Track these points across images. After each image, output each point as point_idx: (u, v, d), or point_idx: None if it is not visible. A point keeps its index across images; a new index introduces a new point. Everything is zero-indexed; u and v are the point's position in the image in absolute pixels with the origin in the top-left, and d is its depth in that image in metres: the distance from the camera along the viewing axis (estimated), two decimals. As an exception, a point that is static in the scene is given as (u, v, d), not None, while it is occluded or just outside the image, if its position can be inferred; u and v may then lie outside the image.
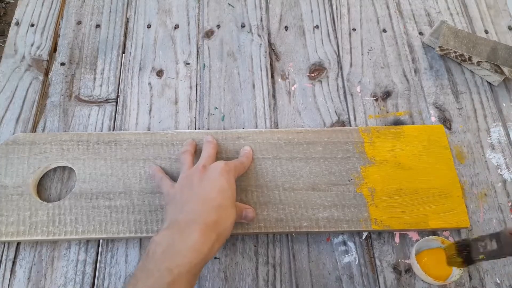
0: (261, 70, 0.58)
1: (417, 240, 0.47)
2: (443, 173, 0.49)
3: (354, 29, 0.62)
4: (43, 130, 0.53)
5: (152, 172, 0.47)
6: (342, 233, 0.47)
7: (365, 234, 0.47)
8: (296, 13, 0.64)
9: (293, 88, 0.57)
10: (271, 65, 0.59)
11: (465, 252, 0.39)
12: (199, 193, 0.39)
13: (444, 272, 0.44)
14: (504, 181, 0.51)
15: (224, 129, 0.54)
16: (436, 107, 0.56)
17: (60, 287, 0.44)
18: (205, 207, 0.38)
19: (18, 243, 0.46)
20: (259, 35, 0.61)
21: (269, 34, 0.62)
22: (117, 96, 0.56)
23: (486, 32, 0.62)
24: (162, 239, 0.35)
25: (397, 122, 0.54)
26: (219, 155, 0.49)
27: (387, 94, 0.57)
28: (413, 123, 0.54)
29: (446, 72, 0.59)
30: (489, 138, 0.54)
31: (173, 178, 0.46)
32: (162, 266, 0.33)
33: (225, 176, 0.41)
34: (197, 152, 0.49)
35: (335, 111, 0.55)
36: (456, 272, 0.43)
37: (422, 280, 0.45)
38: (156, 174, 0.46)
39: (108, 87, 0.56)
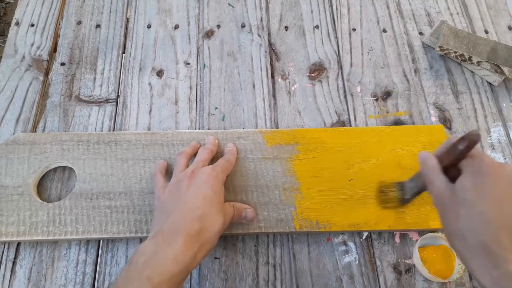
0: (261, 70, 0.58)
1: (417, 240, 0.47)
2: (443, 173, 0.49)
3: (354, 29, 0.62)
4: (43, 130, 0.53)
5: (155, 166, 0.47)
6: (343, 233, 0.47)
7: (365, 234, 0.47)
8: (296, 13, 0.64)
9: (293, 88, 0.57)
10: (271, 65, 0.59)
11: (398, 191, 0.44)
12: (184, 202, 0.39)
13: (446, 271, 0.44)
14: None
15: (224, 129, 0.54)
16: (436, 107, 0.56)
17: (60, 287, 0.44)
18: (189, 216, 0.38)
19: (19, 243, 0.46)
20: (259, 35, 0.61)
21: (269, 34, 0.62)
22: (117, 96, 0.56)
23: (486, 32, 0.63)
24: (146, 248, 0.36)
25: (397, 122, 0.54)
26: (219, 155, 0.49)
27: (387, 94, 0.57)
28: (413, 123, 0.54)
29: (446, 72, 0.59)
30: (489, 138, 0.54)
31: None
32: (143, 275, 0.34)
33: (210, 183, 0.41)
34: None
35: (335, 111, 0.55)
36: (457, 271, 0.43)
37: (423, 276, 0.45)
38: (155, 170, 0.46)
39: (108, 87, 0.56)
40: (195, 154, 0.47)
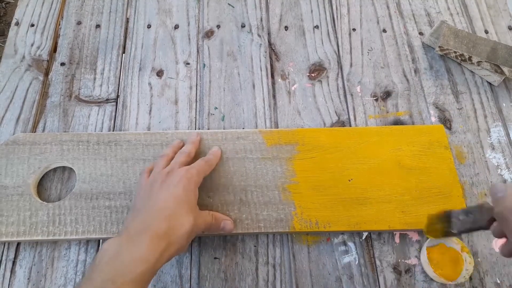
0: (261, 70, 0.58)
1: (417, 240, 0.47)
2: (443, 173, 0.49)
3: (354, 29, 0.62)
4: (43, 130, 0.53)
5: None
6: (342, 233, 0.47)
7: (365, 234, 0.47)
8: (296, 13, 0.64)
9: (293, 88, 0.57)
10: (271, 65, 0.59)
11: (445, 223, 0.38)
12: (154, 201, 0.39)
13: (451, 273, 0.44)
14: (504, 181, 0.51)
15: (224, 129, 0.54)
16: (436, 107, 0.56)
17: (60, 287, 0.44)
18: (157, 216, 0.38)
19: (18, 243, 0.46)
20: (259, 35, 0.61)
21: (269, 34, 0.62)
22: (117, 96, 0.56)
23: (486, 32, 0.62)
24: (110, 247, 0.35)
25: (397, 122, 0.54)
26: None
27: (387, 94, 0.57)
28: (413, 123, 0.54)
29: (446, 72, 0.59)
30: (489, 138, 0.54)
31: None
32: (106, 276, 0.33)
33: (183, 183, 0.41)
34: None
35: (335, 111, 0.55)
36: (463, 276, 0.43)
37: (428, 275, 0.44)
38: (143, 169, 0.46)
39: (108, 87, 0.56)
40: None
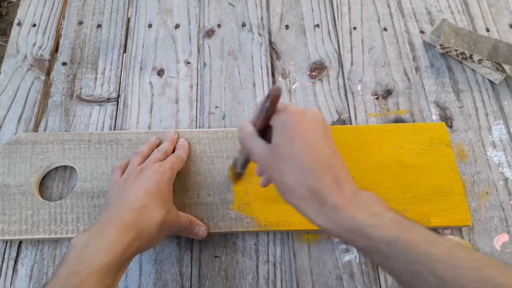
0: (261, 69, 0.58)
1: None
2: (444, 171, 0.49)
3: (354, 28, 0.62)
4: (45, 130, 0.53)
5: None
6: (343, 231, 0.47)
7: (366, 232, 0.47)
8: (297, 12, 0.64)
9: (293, 87, 0.57)
10: (272, 64, 0.59)
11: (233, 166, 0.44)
12: (126, 194, 0.40)
13: None
14: (506, 179, 0.51)
15: (224, 127, 0.54)
16: (437, 106, 0.56)
17: (62, 285, 0.44)
18: (127, 207, 0.38)
19: (20, 242, 0.46)
20: (259, 34, 0.61)
21: (269, 33, 0.62)
22: (118, 96, 0.56)
23: (488, 30, 0.62)
24: (78, 241, 0.35)
25: (398, 121, 0.54)
26: (219, 154, 0.49)
27: (388, 93, 0.57)
28: (414, 122, 0.54)
29: (447, 70, 0.59)
30: (490, 136, 0.53)
31: None
32: (71, 269, 0.32)
33: (156, 178, 0.41)
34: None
35: (336, 110, 0.55)
36: None
37: None
38: (115, 165, 0.46)
39: (109, 86, 0.57)
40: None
